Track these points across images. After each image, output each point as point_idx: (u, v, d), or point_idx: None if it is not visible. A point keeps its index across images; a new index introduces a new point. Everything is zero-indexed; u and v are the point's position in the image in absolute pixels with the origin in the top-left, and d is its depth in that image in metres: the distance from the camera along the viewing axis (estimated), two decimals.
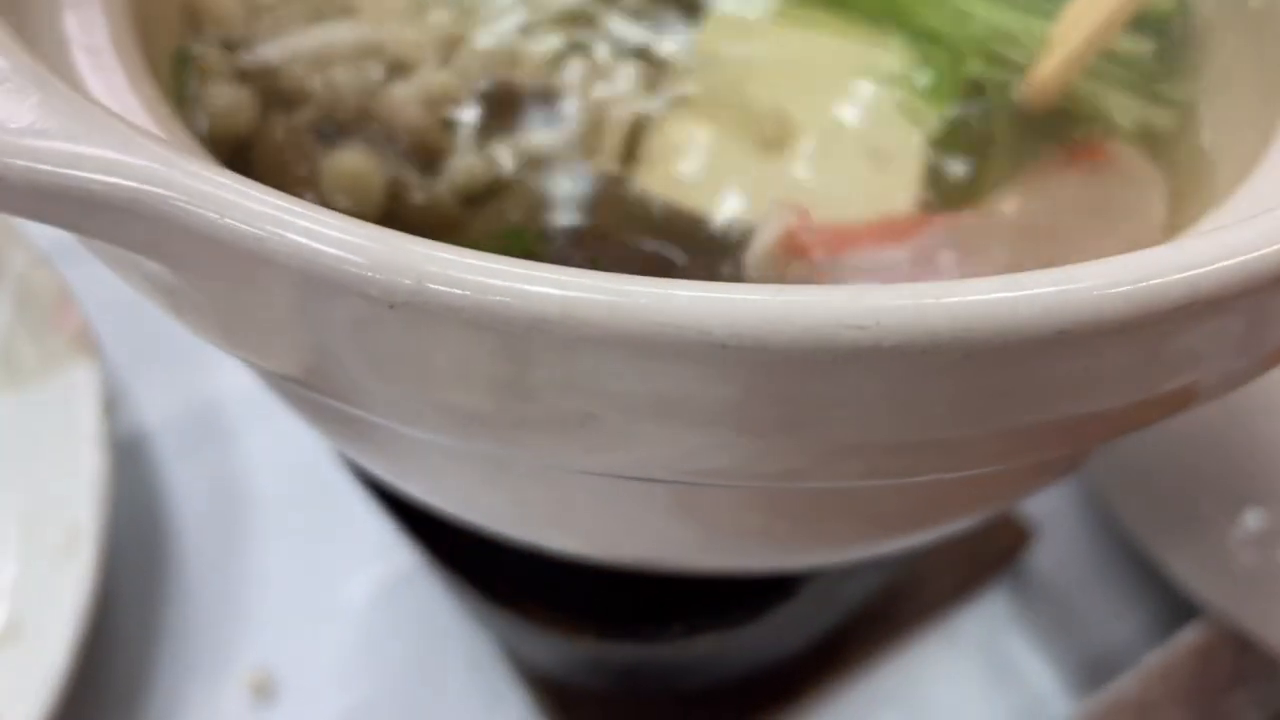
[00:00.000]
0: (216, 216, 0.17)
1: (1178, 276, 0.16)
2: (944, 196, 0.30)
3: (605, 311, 0.16)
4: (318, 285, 0.17)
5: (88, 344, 0.47)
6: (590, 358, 0.17)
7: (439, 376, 0.18)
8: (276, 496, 0.49)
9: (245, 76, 0.31)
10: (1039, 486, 0.30)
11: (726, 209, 0.29)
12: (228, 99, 0.30)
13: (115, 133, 0.17)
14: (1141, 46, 0.31)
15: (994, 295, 0.16)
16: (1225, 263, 0.16)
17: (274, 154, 0.30)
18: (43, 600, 0.43)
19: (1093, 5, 0.29)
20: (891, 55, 0.32)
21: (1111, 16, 0.28)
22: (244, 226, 0.17)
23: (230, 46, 0.31)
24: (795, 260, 0.27)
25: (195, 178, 0.17)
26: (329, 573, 0.47)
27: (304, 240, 0.16)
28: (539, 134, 0.31)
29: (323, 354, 0.19)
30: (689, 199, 0.30)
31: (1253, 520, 0.43)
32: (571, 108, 0.32)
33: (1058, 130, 0.30)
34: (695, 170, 0.31)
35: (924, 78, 0.32)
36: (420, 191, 0.30)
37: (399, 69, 0.32)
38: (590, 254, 0.29)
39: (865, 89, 0.32)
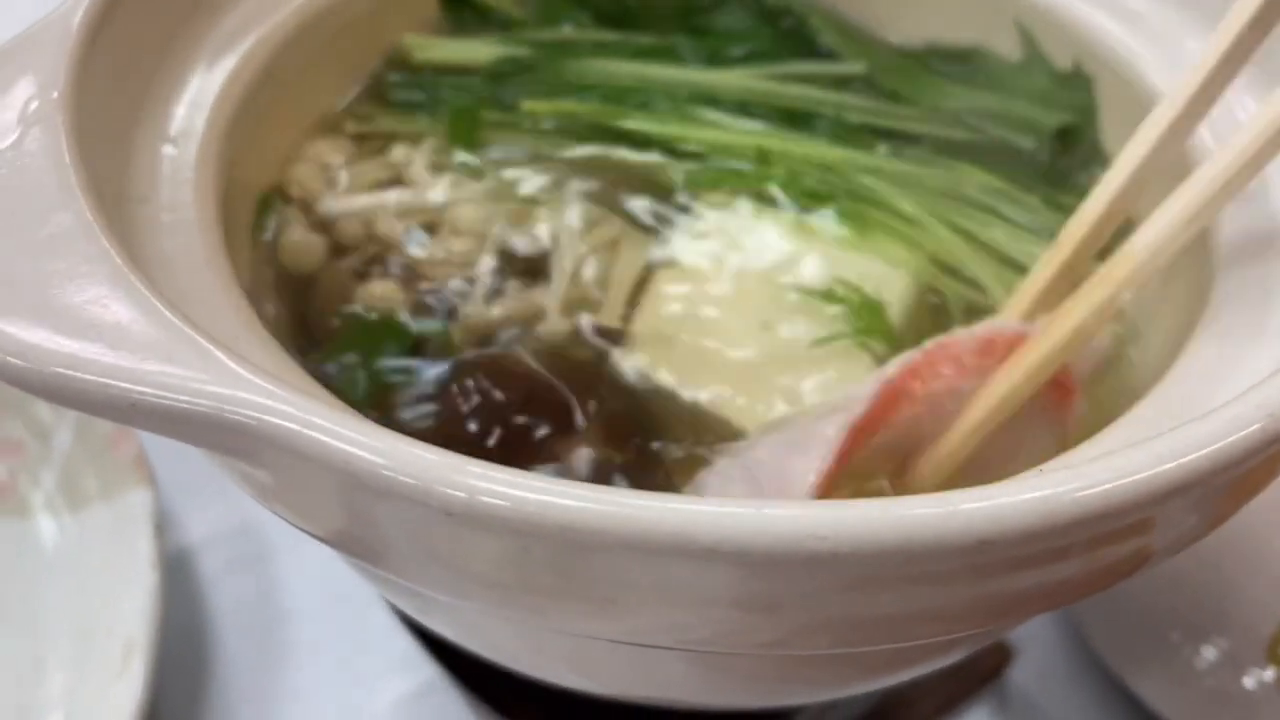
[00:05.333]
0: (311, 440, 0.21)
1: (1071, 495, 0.20)
2: None
3: (617, 522, 0.20)
4: (389, 497, 0.21)
5: (143, 470, 0.51)
6: (608, 556, 0.21)
7: (481, 566, 0.22)
8: (310, 612, 0.52)
9: (316, 227, 0.38)
10: (995, 637, 0.33)
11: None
12: (303, 241, 0.37)
13: (227, 370, 0.22)
14: None
15: (927, 511, 0.20)
16: (1115, 484, 0.20)
17: (329, 284, 0.37)
18: (98, 710, 0.46)
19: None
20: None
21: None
22: (333, 445, 0.21)
23: (307, 207, 0.38)
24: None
25: (296, 406, 0.21)
26: (357, 685, 0.50)
27: (378, 460, 0.21)
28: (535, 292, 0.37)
29: (380, 542, 0.23)
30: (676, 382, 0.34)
31: (1216, 648, 0.46)
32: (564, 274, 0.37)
33: None
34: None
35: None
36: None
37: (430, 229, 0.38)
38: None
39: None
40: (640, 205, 0.39)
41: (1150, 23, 0.37)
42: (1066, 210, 0.33)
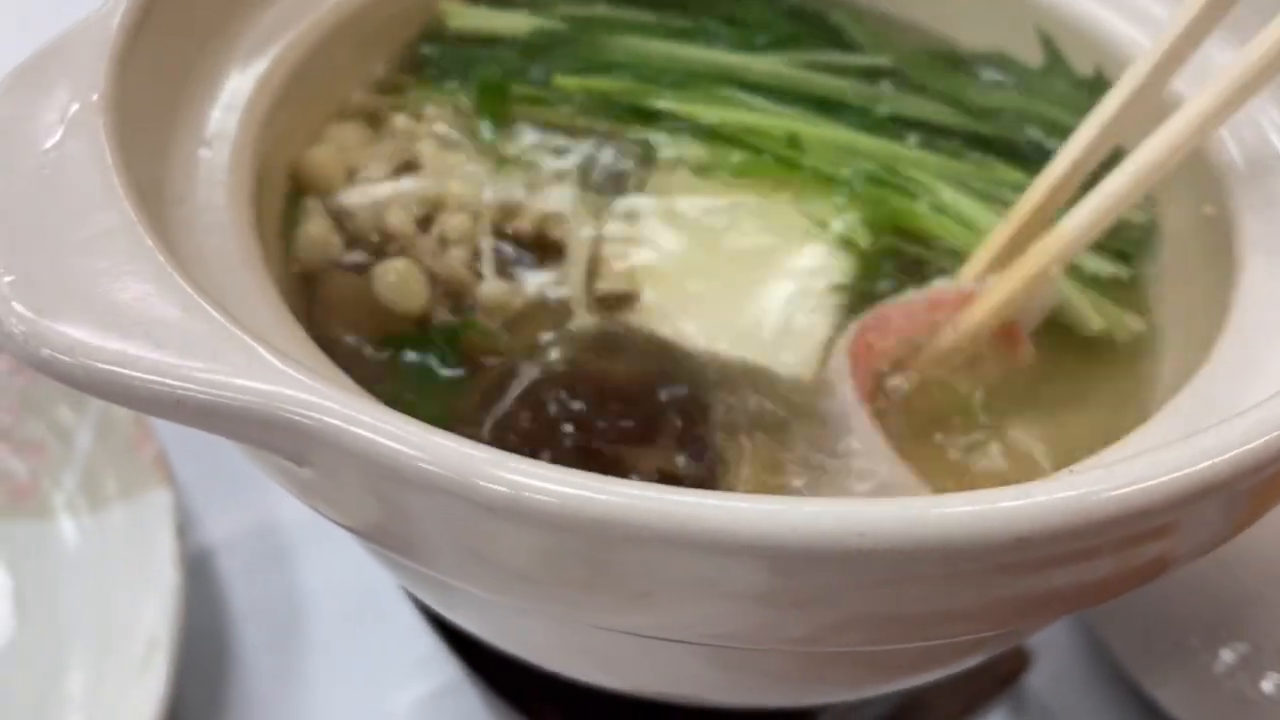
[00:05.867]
0: (353, 435, 0.21)
1: (1112, 494, 0.21)
2: None
3: (657, 517, 0.20)
4: (431, 492, 0.21)
5: (164, 470, 0.52)
6: (646, 550, 0.21)
7: (520, 560, 0.22)
8: (329, 613, 0.52)
9: (333, 216, 0.38)
10: (1020, 639, 0.34)
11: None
12: (319, 235, 0.37)
13: (271, 367, 0.22)
14: (1104, 264, 0.36)
15: (966, 509, 0.20)
16: (1148, 483, 0.21)
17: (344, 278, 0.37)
18: (120, 709, 0.46)
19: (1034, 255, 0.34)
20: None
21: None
22: (376, 440, 0.21)
23: (324, 197, 0.38)
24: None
25: (342, 403, 0.21)
26: (377, 685, 0.50)
27: (421, 456, 0.21)
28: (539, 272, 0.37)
29: (419, 536, 0.23)
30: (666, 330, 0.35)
31: (1233, 653, 0.46)
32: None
33: None
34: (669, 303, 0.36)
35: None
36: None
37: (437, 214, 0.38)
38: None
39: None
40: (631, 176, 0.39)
41: None
42: None
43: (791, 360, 0.34)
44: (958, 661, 0.32)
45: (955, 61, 0.43)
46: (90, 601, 0.50)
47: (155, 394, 0.22)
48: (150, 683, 0.46)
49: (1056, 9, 0.40)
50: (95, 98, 0.28)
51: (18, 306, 0.23)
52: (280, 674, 0.51)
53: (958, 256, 0.37)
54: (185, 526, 0.51)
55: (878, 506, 0.20)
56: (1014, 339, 0.35)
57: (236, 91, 0.33)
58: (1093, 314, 0.35)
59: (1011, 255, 0.35)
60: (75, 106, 0.28)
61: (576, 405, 0.32)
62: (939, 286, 0.36)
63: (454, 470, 0.21)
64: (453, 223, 0.38)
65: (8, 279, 0.23)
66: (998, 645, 0.33)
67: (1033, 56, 0.42)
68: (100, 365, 0.22)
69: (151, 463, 0.52)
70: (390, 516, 0.23)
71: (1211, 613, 0.46)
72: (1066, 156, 0.35)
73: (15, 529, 0.53)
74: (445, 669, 0.51)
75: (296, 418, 0.21)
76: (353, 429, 0.21)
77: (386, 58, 0.42)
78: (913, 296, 0.36)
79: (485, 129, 0.40)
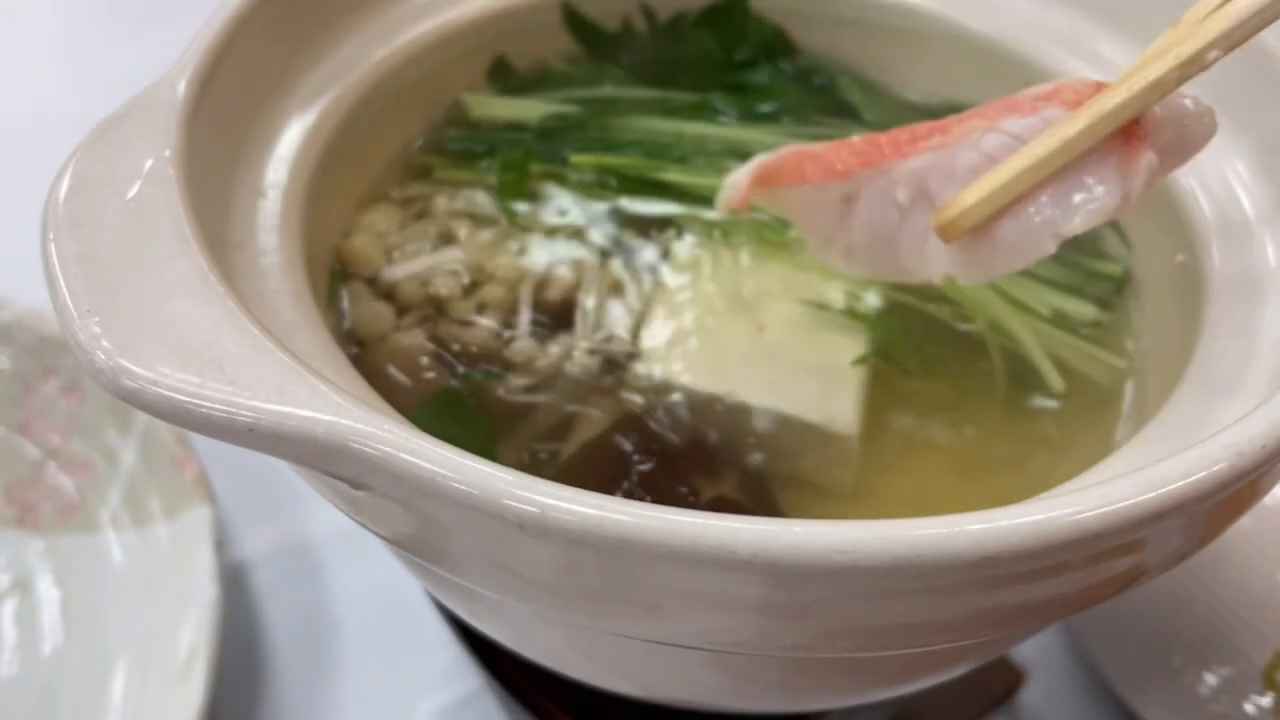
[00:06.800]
0: (404, 462, 0.24)
1: (1066, 519, 0.23)
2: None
3: (665, 536, 0.23)
4: (469, 512, 0.24)
5: (204, 489, 0.55)
6: (657, 566, 0.24)
7: (545, 573, 0.25)
8: (358, 625, 0.55)
9: (380, 294, 0.41)
10: (1002, 649, 0.36)
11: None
12: (373, 312, 0.40)
13: (329, 399, 0.25)
14: (1086, 308, 0.39)
15: (937, 531, 0.23)
16: (1102, 509, 0.23)
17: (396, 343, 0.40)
18: (160, 714, 0.49)
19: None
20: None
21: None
22: (426, 467, 0.24)
23: (369, 281, 0.41)
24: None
25: (392, 432, 0.24)
26: (403, 693, 0.53)
27: (461, 480, 0.24)
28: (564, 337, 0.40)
29: (455, 549, 0.26)
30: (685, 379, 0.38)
31: (1216, 675, 0.48)
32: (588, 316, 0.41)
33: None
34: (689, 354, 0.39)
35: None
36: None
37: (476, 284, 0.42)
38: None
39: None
40: (646, 245, 0.43)
41: None
42: (1081, 270, 0.37)
43: (843, 421, 0.37)
44: (947, 669, 0.34)
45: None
46: (133, 612, 0.53)
47: (230, 423, 0.25)
48: (189, 690, 0.49)
49: (1046, 70, 0.43)
50: (167, 153, 0.31)
51: (105, 344, 0.26)
52: (311, 682, 0.54)
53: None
54: (223, 542, 0.54)
55: (859, 528, 0.23)
56: (1135, 136, 0.30)
57: (288, 144, 0.37)
58: (1054, 375, 0.38)
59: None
60: (150, 162, 0.31)
61: (632, 448, 0.36)
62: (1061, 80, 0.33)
63: (490, 491, 0.24)
64: (493, 293, 0.41)
65: (96, 319, 0.27)
66: (983, 653, 0.36)
67: None
68: (179, 397, 0.25)
69: (193, 481, 0.55)
70: (429, 531, 0.26)
71: (1193, 634, 0.48)
72: None
73: (63, 543, 0.56)
74: (467, 680, 0.54)
75: (353, 445, 0.24)
76: (402, 455, 0.24)
77: (414, 131, 0.46)
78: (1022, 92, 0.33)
79: (510, 204, 0.44)
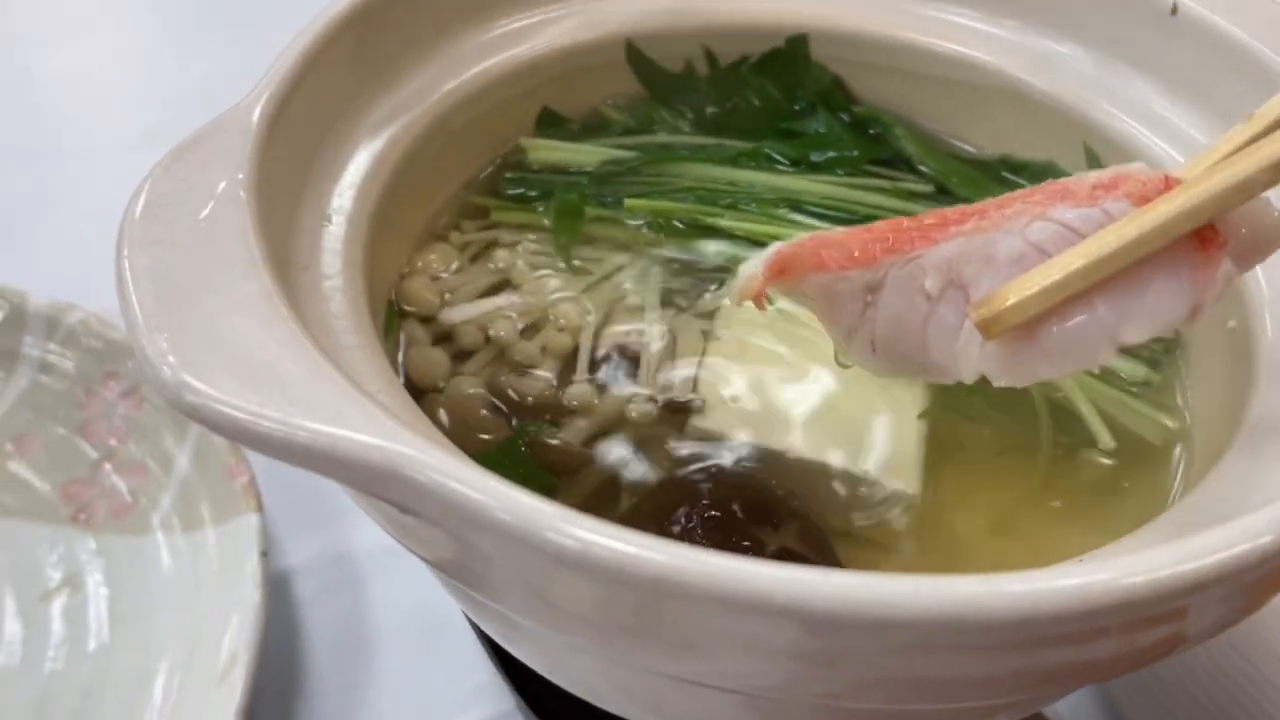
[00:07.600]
0: (455, 490, 0.25)
1: (1104, 585, 0.23)
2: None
3: (704, 578, 0.23)
4: (512, 543, 0.24)
5: (254, 497, 0.56)
6: (694, 606, 0.24)
7: (582, 605, 0.26)
8: (397, 638, 0.56)
9: (437, 338, 0.42)
10: (1036, 707, 0.36)
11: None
12: (428, 355, 0.41)
13: (383, 425, 0.26)
14: (1138, 369, 0.39)
15: (975, 589, 0.23)
16: (1141, 577, 0.23)
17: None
18: (199, 716, 0.50)
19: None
20: None
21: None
22: (471, 495, 0.25)
23: (425, 321, 0.42)
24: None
25: (441, 460, 0.25)
26: (435, 711, 0.54)
27: (506, 511, 0.24)
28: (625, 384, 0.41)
29: (496, 576, 0.27)
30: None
31: None
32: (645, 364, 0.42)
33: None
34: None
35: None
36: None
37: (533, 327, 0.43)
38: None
39: None
40: (703, 292, 0.43)
41: None
42: None
43: (906, 477, 0.37)
44: None
45: (1002, 172, 0.46)
46: (178, 614, 0.54)
47: (287, 443, 0.26)
48: (228, 693, 0.50)
49: (1102, 129, 0.43)
50: (240, 177, 0.32)
51: (171, 359, 0.27)
52: (346, 691, 0.55)
53: None
54: (269, 550, 0.55)
55: (897, 582, 0.23)
56: (1209, 243, 0.28)
57: (355, 171, 0.38)
58: (1104, 432, 0.38)
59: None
60: (223, 184, 0.32)
61: (691, 500, 0.36)
62: (1123, 166, 0.31)
63: (533, 524, 0.24)
64: (556, 339, 0.42)
65: (164, 335, 0.28)
66: (1017, 711, 0.36)
67: (1078, 171, 0.45)
68: (238, 415, 0.26)
69: (243, 489, 0.56)
70: (471, 557, 0.26)
71: (1229, 701, 0.48)
72: None
73: (115, 544, 0.58)
74: (499, 701, 0.54)
75: (404, 471, 0.25)
76: (452, 483, 0.25)
77: (477, 160, 0.47)
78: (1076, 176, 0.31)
79: (567, 249, 0.44)
